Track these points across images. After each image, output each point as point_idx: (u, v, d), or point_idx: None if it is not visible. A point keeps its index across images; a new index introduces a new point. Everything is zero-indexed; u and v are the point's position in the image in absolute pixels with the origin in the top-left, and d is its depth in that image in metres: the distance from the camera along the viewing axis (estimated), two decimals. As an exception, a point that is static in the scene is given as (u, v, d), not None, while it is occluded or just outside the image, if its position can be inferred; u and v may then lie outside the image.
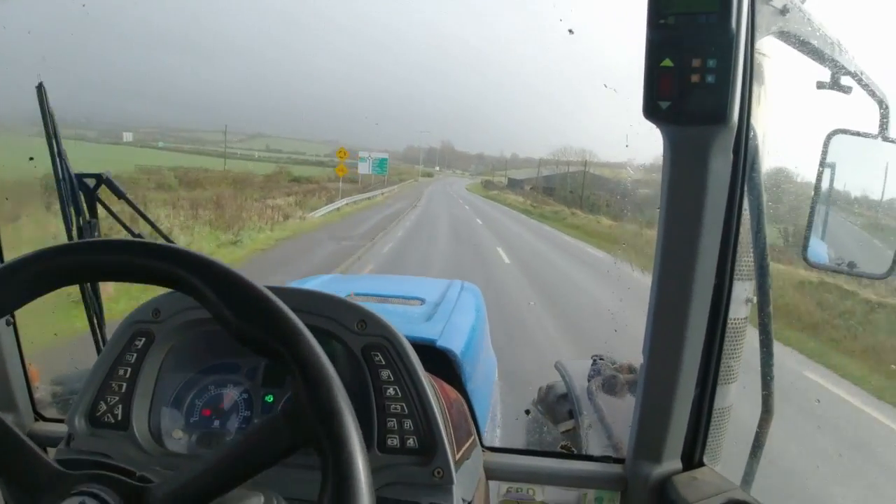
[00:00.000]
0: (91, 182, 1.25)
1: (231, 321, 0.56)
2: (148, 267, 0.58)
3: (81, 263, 0.59)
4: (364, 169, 29.91)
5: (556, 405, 1.91)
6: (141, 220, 1.40)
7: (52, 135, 1.21)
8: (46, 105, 1.21)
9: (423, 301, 1.94)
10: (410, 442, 0.91)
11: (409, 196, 31.60)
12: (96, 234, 1.26)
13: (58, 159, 1.22)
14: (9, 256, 1.30)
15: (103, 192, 1.27)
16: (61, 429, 1.31)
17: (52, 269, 0.59)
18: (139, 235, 1.26)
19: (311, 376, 0.54)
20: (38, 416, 1.35)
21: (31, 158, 1.23)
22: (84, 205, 1.25)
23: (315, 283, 2.31)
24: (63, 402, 1.39)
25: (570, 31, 1.29)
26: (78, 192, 1.24)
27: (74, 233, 1.25)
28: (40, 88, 1.20)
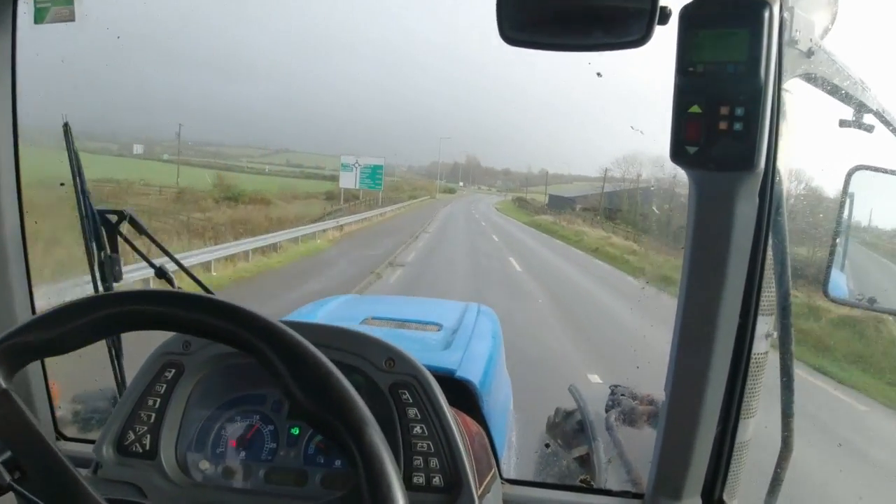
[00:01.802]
0: (113, 218, 1.28)
1: (299, 398, 0.57)
2: (221, 328, 0.60)
3: (157, 314, 0.61)
4: (348, 181, 24.76)
5: (570, 430, 1.90)
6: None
7: (76, 173, 1.25)
8: (71, 144, 1.24)
9: (440, 326, 1.94)
10: (436, 480, 0.92)
11: (405, 227, 20.28)
12: (117, 268, 1.29)
13: (81, 197, 1.26)
14: (38, 278, 1.33)
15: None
16: (82, 448, 1.32)
17: (124, 314, 0.61)
18: (161, 269, 1.29)
19: (373, 472, 0.55)
20: (60, 436, 1.37)
21: (62, 184, 1.25)
22: (105, 240, 1.28)
23: (333, 305, 2.32)
24: (84, 420, 1.41)
25: (599, 74, 1.30)
26: (100, 228, 1.27)
27: (96, 268, 1.29)
28: (66, 128, 1.23)
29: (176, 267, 1.32)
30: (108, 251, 1.28)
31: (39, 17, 1.11)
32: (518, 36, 0.79)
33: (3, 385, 0.59)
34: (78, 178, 1.25)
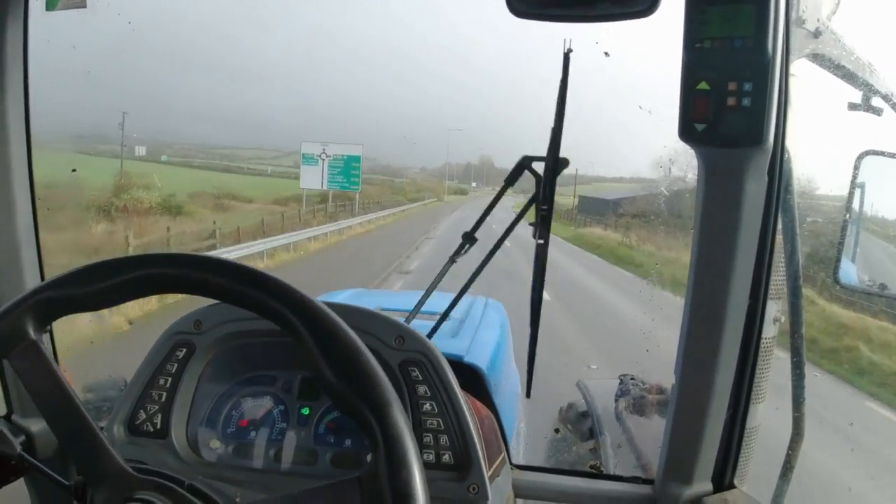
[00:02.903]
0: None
1: (329, 378, 0.57)
2: (254, 297, 0.60)
3: (191, 279, 0.61)
4: (311, 180, 19.86)
5: (578, 425, 1.90)
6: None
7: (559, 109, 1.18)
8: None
9: (448, 317, 1.94)
10: (446, 457, 0.92)
11: (377, 254, 14.09)
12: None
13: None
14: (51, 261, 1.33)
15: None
16: None
17: (157, 276, 0.61)
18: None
19: (395, 455, 0.54)
20: None
21: (74, 170, 1.25)
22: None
23: (342, 298, 2.33)
24: (95, 409, 1.41)
25: (606, 53, 1.30)
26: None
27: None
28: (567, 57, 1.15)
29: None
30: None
31: (51, 4, 1.12)
32: (526, 8, 0.79)
33: (33, 336, 0.60)
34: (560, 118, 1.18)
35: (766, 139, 0.83)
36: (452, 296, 1.48)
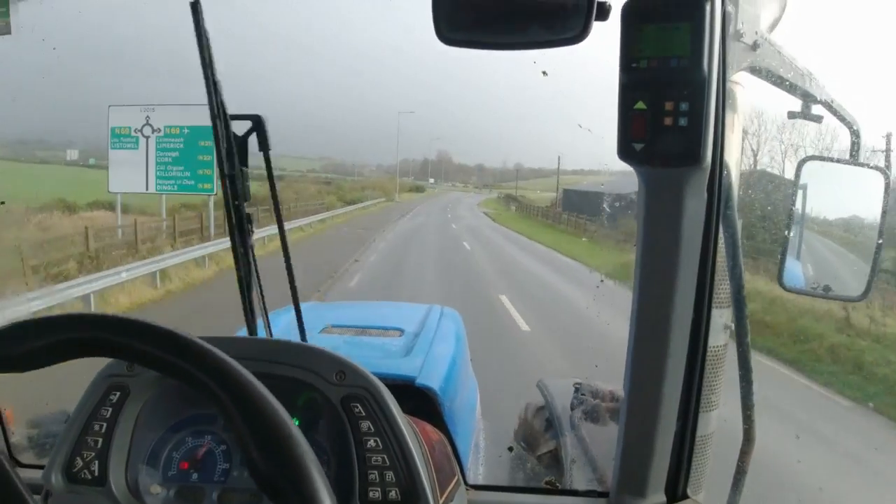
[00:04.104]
0: (244, 126, 1.12)
1: (255, 457, 0.53)
2: (182, 370, 0.56)
3: (117, 344, 0.57)
4: (126, 180, 12.70)
5: (540, 426, 1.90)
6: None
7: (206, 61, 1.05)
8: (202, 23, 1.03)
9: (402, 332, 1.92)
10: (392, 494, 0.89)
11: None
12: (247, 183, 1.14)
13: (213, 91, 1.07)
14: None
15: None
16: (38, 475, 1.27)
17: (86, 340, 0.57)
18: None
19: None
20: (15, 462, 1.31)
21: (2, 202, 1.16)
22: (235, 150, 1.11)
23: (292, 314, 2.27)
24: (40, 446, 1.35)
25: (544, 73, 1.29)
26: (231, 136, 1.09)
27: (227, 184, 1.12)
28: (196, 5, 1.03)
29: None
30: (238, 163, 1.12)
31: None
32: (455, 36, 0.77)
33: None
34: (210, 69, 1.05)
35: (704, 158, 0.83)
36: (403, 306, 1.45)
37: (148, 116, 12.61)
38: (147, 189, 12.98)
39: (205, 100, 1.06)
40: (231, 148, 1.10)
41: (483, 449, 1.86)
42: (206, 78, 1.06)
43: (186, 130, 12.58)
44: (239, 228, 1.14)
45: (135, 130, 12.65)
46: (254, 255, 1.17)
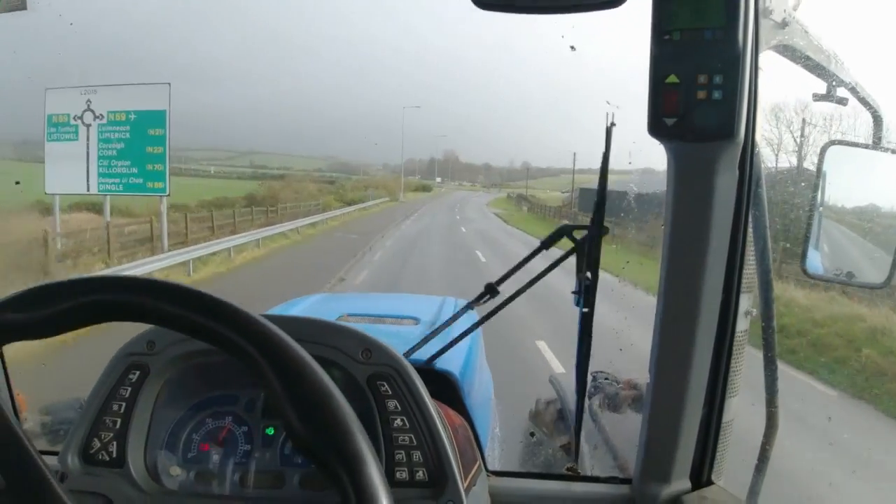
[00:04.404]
0: None
1: (293, 422, 0.51)
2: (215, 332, 0.54)
3: (136, 304, 0.55)
4: (64, 177, 10.16)
5: (552, 420, 1.89)
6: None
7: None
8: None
9: (417, 320, 1.91)
10: (420, 474, 0.88)
11: None
12: None
13: None
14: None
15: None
16: (51, 461, 1.25)
17: (108, 302, 0.55)
18: None
19: None
20: None
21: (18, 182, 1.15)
22: None
23: (307, 304, 2.27)
24: (53, 432, 1.33)
25: (572, 47, 1.28)
26: None
27: None
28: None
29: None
30: None
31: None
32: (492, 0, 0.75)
33: None
34: None
35: (738, 132, 0.81)
36: (418, 297, 1.44)
37: (89, 101, 9.99)
38: (88, 189, 10.59)
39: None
40: None
41: (499, 438, 1.84)
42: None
43: (133, 116, 10.10)
44: None
45: (74, 118, 10.05)
46: None
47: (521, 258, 1.25)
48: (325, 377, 0.53)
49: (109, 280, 0.56)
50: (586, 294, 1.19)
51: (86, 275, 0.56)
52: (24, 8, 1.10)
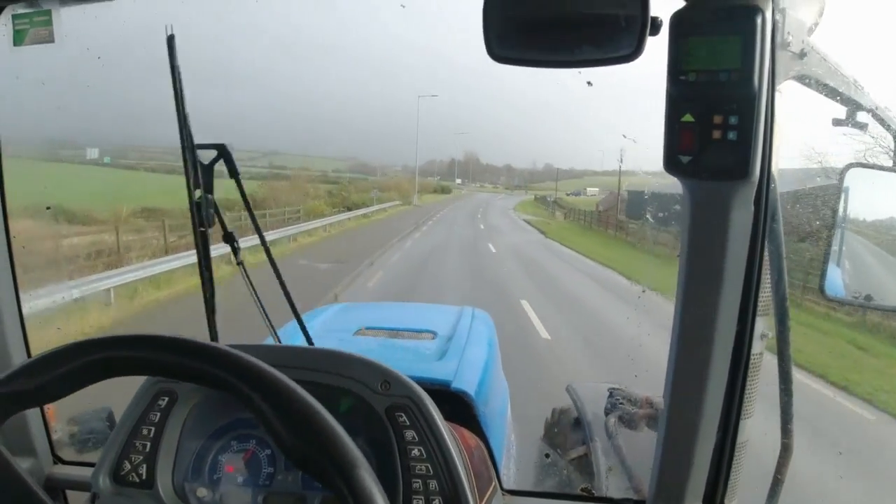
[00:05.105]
0: (211, 154, 1.18)
1: (285, 439, 0.55)
2: (201, 372, 0.58)
3: (139, 359, 0.60)
4: None
5: (569, 430, 1.90)
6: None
7: (178, 95, 1.11)
8: (175, 60, 1.09)
9: (434, 334, 1.93)
10: (436, 502, 0.91)
11: None
12: (211, 210, 1.19)
13: (182, 125, 1.12)
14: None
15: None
16: (79, 472, 1.31)
17: (112, 359, 0.60)
18: (231, 233, 1.22)
19: None
20: (57, 459, 1.35)
21: (48, 208, 1.20)
22: (201, 177, 1.17)
23: (327, 315, 2.31)
24: (80, 442, 1.39)
25: (589, 83, 1.29)
26: (197, 164, 1.16)
27: (194, 209, 1.17)
28: (170, 41, 1.08)
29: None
30: (202, 190, 1.17)
31: (18, 38, 1.08)
32: (506, 53, 0.77)
33: None
34: (181, 102, 1.11)
35: (753, 172, 0.82)
36: (437, 307, 1.45)
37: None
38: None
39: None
40: (198, 176, 1.16)
41: (515, 454, 1.86)
42: (178, 111, 1.11)
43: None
44: (204, 253, 1.19)
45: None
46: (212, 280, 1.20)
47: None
48: (308, 396, 0.57)
49: (99, 342, 0.60)
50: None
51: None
52: (52, 40, 1.14)
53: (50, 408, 1.35)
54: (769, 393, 1.14)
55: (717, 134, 0.81)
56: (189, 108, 1.11)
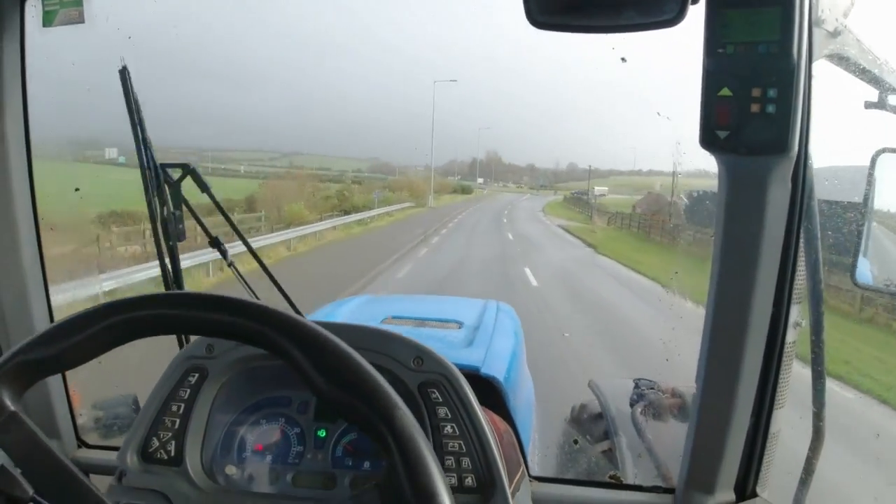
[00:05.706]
0: (176, 173, 1.24)
1: (323, 388, 0.55)
2: (237, 325, 0.58)
3: (168, 317, 0.59)
4: None
5: (591, 425, 1.88)
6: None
7: (136, 122, 1.18)
8: (131, 89, 1.17)
9: (460, 324, 1.93)
10: (469, 480, 0.90)
11: None
12: (181, 226, 1.24)
13: (143, 147, 1.19)
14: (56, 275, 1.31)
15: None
16: (104, 455, 1.31)
17: (133, 319, 0.59)
18: (216, 238, 1.27)
19: (409, 455, 0.53)
20: (81, 443, 1.36)
21: (77, 189, 1.23)
22: (168, 195, 1.23)
23: (352, 305, 2.31)
24: (105, 427, 1.40)
25: (623, 59, 1.28)
26: (163, 183, 1.22)
27: (159, 225, 1.24)
28: (124, 72, 1.16)
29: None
30: (171, 207, 1.23)
31: (48, 19, 1.09)
32: (547, 19, 0.76)
33: (12, 407, 0.57)
34: (139, 127, 1.19)
35: (792, 146, 0.81)
36: (460, 300, 1.45)
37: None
38: None
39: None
40: (164, 194, 1.23)
41: (539, 444, 1.85)
42: (136, 137, 1.19)
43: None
44: (174, 266, 1.26)
45: None
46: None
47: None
48: (342, 344, 0.57)
49: (124, 302, 0.60)
50: None
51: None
52: (82, 21, 1.15)
53: (75, 392, 1.36)
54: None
55: (755, 107, 0.80)
56: (218, 109, 1.15)
